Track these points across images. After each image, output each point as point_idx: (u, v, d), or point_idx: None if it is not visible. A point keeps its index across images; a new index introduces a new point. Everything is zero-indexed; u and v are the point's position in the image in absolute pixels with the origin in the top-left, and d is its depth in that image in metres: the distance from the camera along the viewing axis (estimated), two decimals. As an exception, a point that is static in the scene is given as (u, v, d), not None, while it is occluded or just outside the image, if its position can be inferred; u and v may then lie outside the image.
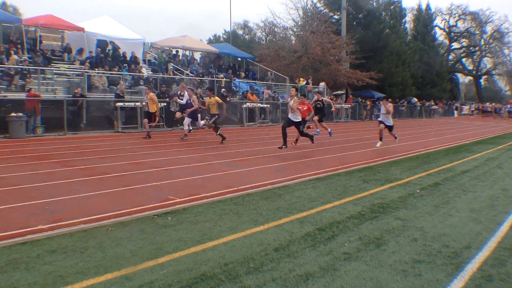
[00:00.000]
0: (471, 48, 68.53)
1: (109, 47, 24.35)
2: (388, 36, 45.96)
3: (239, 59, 34.67)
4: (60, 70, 20.02)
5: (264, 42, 55.09)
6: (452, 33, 67.61)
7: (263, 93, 27.99)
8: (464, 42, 69.14)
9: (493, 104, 57.32)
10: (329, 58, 36.76)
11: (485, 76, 74.10)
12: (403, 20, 53.63)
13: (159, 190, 7.22)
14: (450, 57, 69.76)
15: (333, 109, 17.36)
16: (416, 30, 58.13)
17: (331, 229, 5.34)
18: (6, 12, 28.64)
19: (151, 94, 16.30)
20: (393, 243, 4.89)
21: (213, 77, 25.95)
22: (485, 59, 69.47)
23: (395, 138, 14.70)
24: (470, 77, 76.29)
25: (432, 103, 47.90)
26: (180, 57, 29.29)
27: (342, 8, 41.28)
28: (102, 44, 23.60)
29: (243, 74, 30.49)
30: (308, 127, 16.31)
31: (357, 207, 6.41)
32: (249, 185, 7.72)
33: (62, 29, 23.09)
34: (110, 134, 17.54)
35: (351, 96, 40.49)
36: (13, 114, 14.98)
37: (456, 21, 66.46)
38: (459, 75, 74.08)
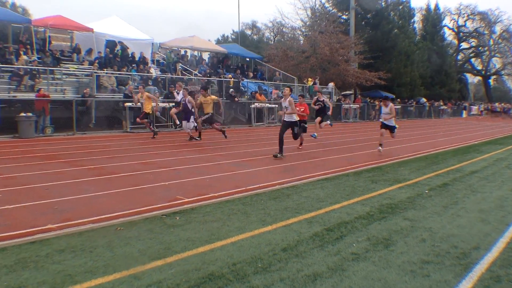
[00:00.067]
0: (480, 48, 68.05)
1: (118, 47, 24.42)
2: (397, 36, 45.74)
3: (248, 59, 34.63)
4: (69, 71, 20.13)
5: (272, 42, 55.13)
6: (461, 33, 67.15)
7: (271, 93, 27.97)
8: (473, 42, 68.71)
9: (502, 104, 57.08)
10: (337, 58, 36.63)
11: (494, 76, 73.53)
12: (412, 20, 53.33)
13: (168, 190, 7.24)
14: (459, 57, 69.31)
15: (329, 112, 17.25)
16: (424, 30, 57.76)
17: (339, 229, 5.33)
18: (16, 13, 28.88)
19: (147, 93, 16.36)
20: (401, 243, 4.87)
21: (221, 77, 25.98)
22: (494, 59, 68.97)
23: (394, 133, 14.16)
24: (479, 77, 75.65)
25: (441, 103, 47.67)
26: (189, 57, 29.37)
27: (351, 8, 41.11)
28: (111, 44, 23.69)
29: (251, 74, 30.48)
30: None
31: (366, 208, 6.39)
32: (258, 185, 7.72)
33: (71, 29, 23.19)
34: (119, 134, 17.62)
35: (359, 96, 40.31)
36: (23, 114, 15.08)
37: (465, 21, 66.04)
38: (468, 75, 73.61)
